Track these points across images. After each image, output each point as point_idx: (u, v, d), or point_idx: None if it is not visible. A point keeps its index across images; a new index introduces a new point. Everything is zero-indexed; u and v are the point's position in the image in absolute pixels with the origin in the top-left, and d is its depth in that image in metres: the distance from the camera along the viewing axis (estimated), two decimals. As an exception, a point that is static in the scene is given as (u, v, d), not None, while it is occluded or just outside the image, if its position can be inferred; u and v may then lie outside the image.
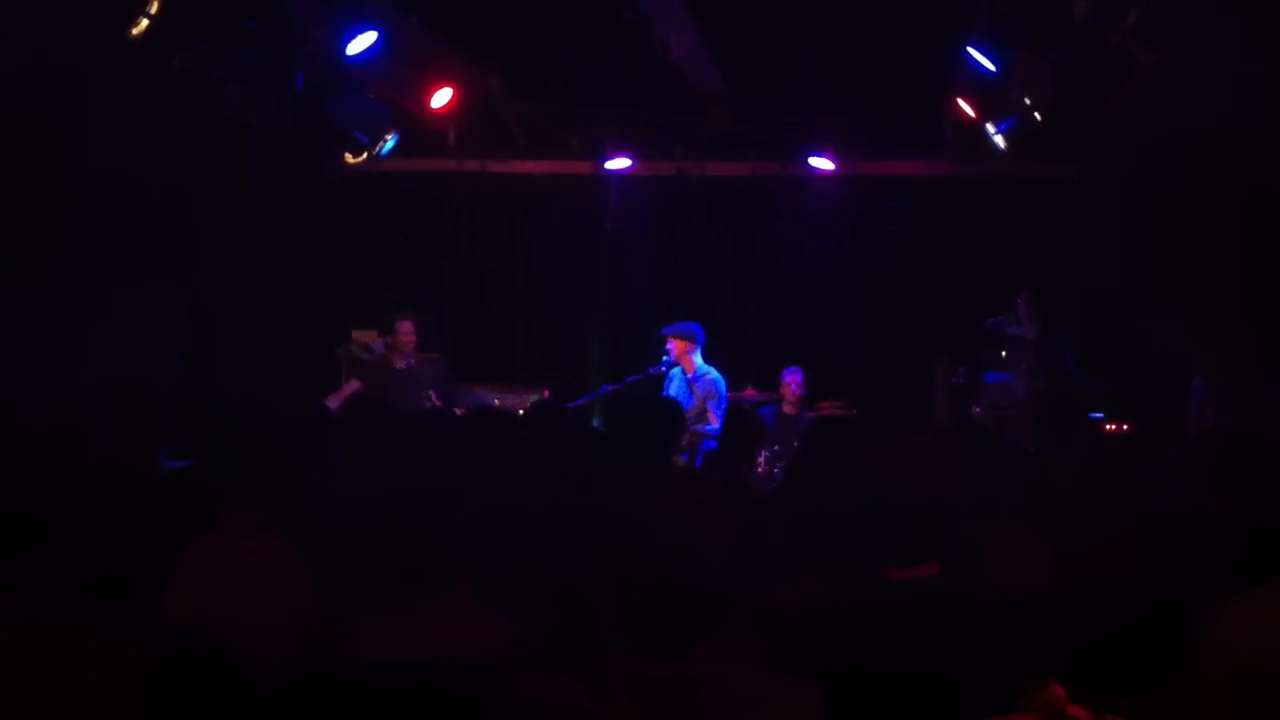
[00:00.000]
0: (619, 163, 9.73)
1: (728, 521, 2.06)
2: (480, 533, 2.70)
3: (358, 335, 9.38)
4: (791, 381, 8.94)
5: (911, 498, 2.62)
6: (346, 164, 8.75)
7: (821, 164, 9.55)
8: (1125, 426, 7.99)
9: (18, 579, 2.42)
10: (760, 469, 8.16)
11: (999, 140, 8.37)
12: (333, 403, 7.72)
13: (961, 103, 8.44)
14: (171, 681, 2.23)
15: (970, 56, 7.81)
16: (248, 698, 2.31)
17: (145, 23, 6.68)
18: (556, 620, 2.48)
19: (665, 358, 8.30)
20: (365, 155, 8.69)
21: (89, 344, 7.30)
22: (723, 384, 8.26)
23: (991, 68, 7.78)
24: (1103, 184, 8.78)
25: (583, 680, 1.96)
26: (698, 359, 8.28)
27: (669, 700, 1.94)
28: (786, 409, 8.89)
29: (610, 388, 8.59)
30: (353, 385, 8.47)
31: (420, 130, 8.94)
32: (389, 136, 8.71)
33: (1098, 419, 8.11)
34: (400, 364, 8.68)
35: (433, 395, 8.56)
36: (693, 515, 2.03)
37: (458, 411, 8.75)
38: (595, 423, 9.11)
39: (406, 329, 8.72)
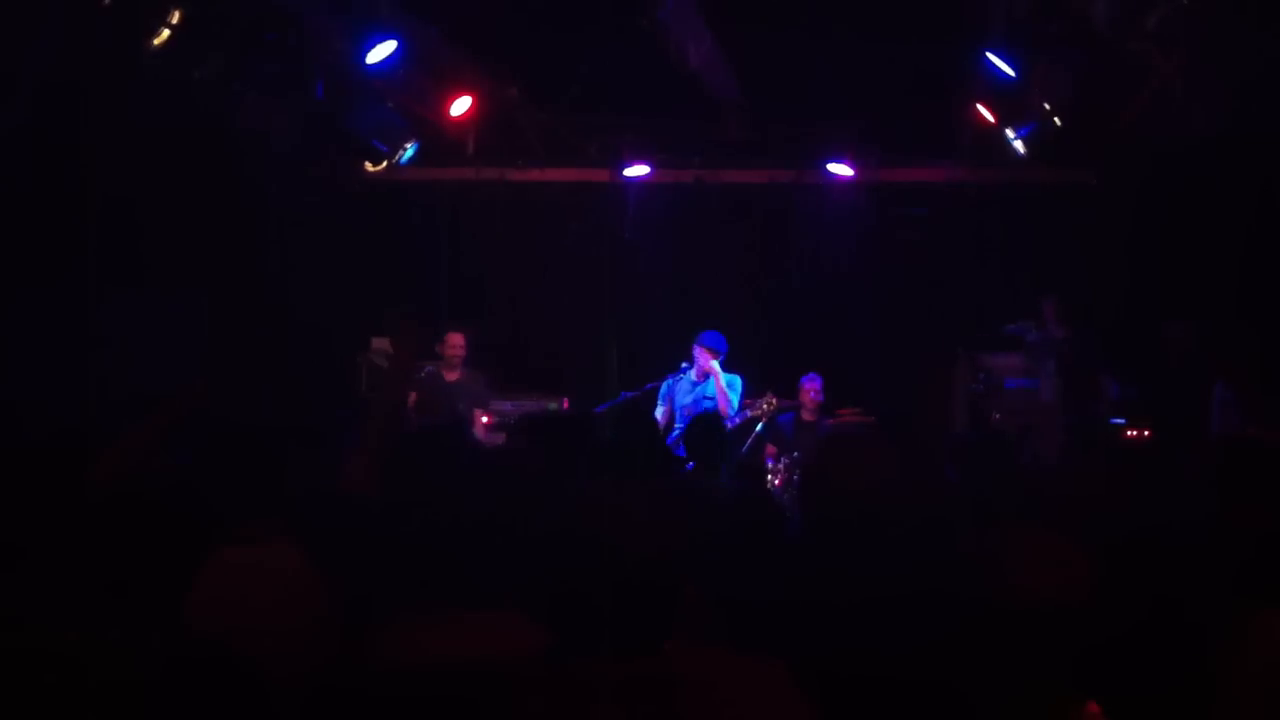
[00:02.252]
0: (637, 170, 9.74)
1: (674, 514, 2.07)
2: (485, 541, 2.70)
3: (377, 343, 9.39)
4: (810, 388, 8.93)
5: (844, 490, 2.63)
6: (365, 173, 8.77)
7: (841, 170, 9.53)
8: (1146, 433, 7.95)
9: (29, 586, 2.43)
10: (780, 476, 8.16)
11: (1019, 146, 8.34)
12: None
13: (981, 108, 8.41)
14: (185, 690, 2.24)
15: (989, 62, 7.79)
16: (260, 705, 2.32)
17: (166, 33, 6.71)
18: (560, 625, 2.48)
19: (685, 364, 8.27)
20: (385, 164, 8.71)
21: (103, 353, 7.32)
22: (739, 382, 8.27)
23: (1011, 73, 7.76)
24: (1121, 189, 8.73)
25: (563, 687, 1.97)
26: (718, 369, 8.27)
27: (648, 700, 1.94)
28: (805, 416, 8.88)
29: (629, 394, 8.58)
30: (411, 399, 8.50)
31: (439, 139, 8.96)
32: (408, 145, 8.73)
33: (1119, 425, 8.08)
34: (451, 376, 8.67)
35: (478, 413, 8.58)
36: (644, 512, 2.04)
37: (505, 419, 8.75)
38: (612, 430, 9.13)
39: (456, 341, 8.70)
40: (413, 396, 8.50)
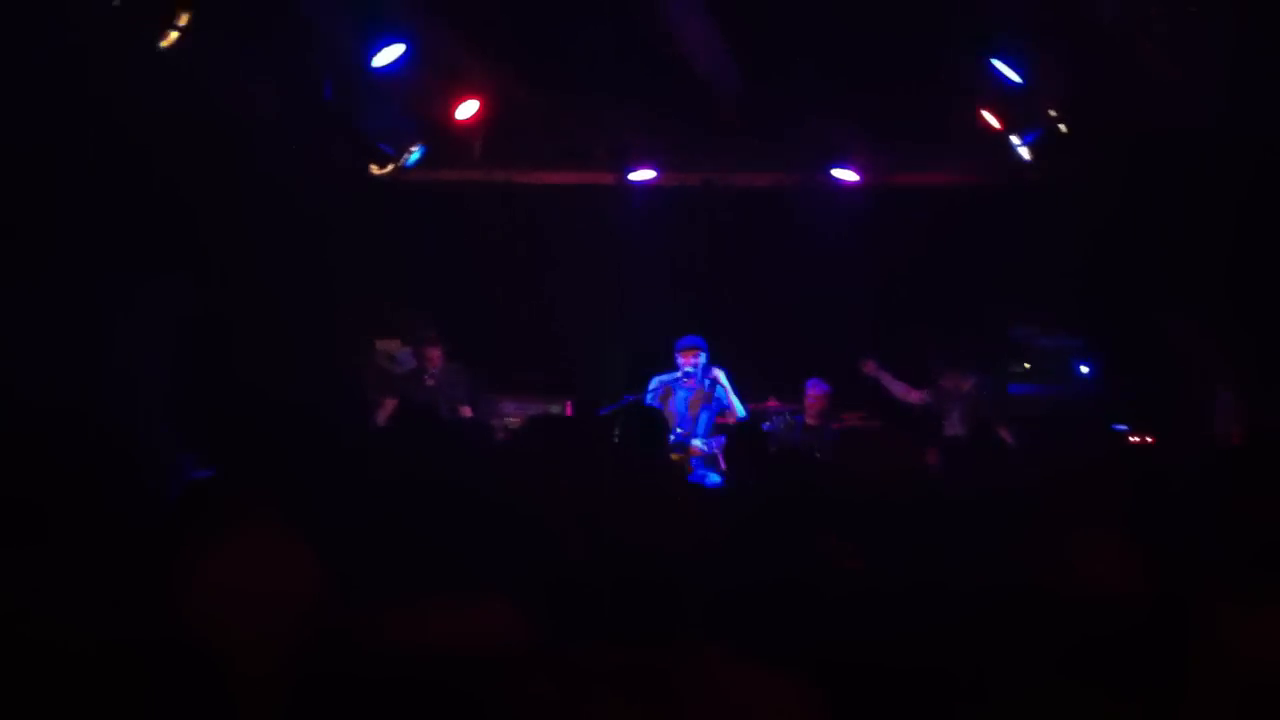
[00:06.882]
0: (643, 174, 9.75)
1: (691, 510, 2.07)
2: (488, 530, 2.70)
3: (381, 345, 9.41)
4: (814, 394, 8.89)
5: (859, 482, 2.63)
6: (372, 174, 8.78)
7: (845, 175, 9.52)
8: (1149, 439, 7.92)
9: (20, 572, 2.43)
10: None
11: (1024, 153, 8.34)
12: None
13: (986, 114, 8.40)
14: (170, 677, 2.24)
15: (995, 69, 7.78)
16: (242, 693, 2.32)
17: (174, 35, 6.73)
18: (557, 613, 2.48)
19: (690, 370, 8.24)
20: (391, 166, 8.72)
21: (100, 343, 7.30)
22: (725, 376, 8.31)
23: (1017, 79, 7.75)
24: (1122, 186, 8.68)
25: (563, 675, 1.96)
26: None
27: (649, 690, 1.93)
28: (809, 420, 8.85)
29: (633, 397, 8.57)
30: (391, 404, 8.53)
31: (445, 141, 8.97)
32: (415, 148, 8.74)
33: (1122, 431, 8.04)
34: (429, 381, 8.69)
35: (466, 409, 8.59)
36: (657, 507, 2.04)
37: (506, 420, 8.78)
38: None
39: (434, 355, 8.74)
40: (392, 404, 8.51)
